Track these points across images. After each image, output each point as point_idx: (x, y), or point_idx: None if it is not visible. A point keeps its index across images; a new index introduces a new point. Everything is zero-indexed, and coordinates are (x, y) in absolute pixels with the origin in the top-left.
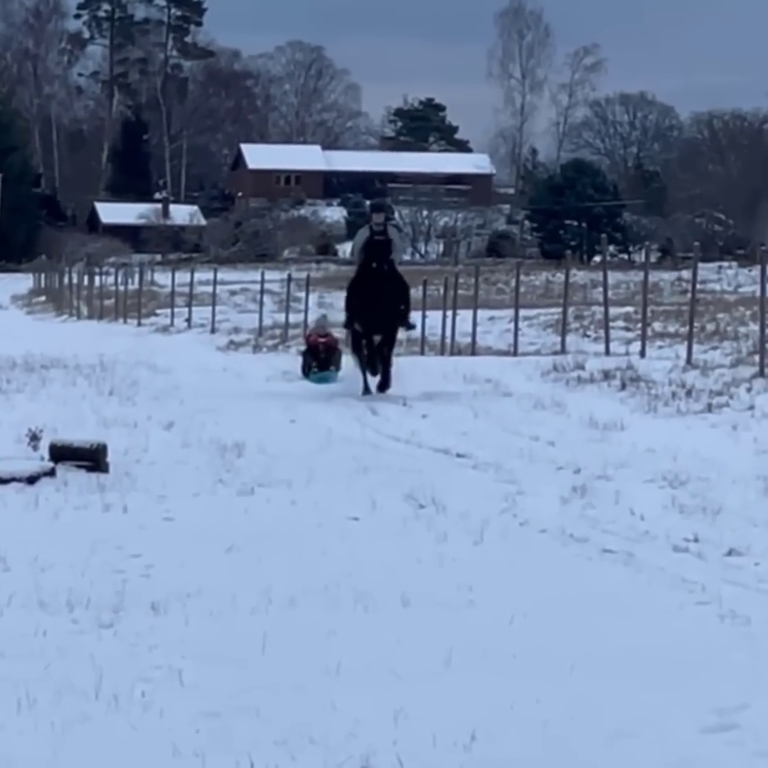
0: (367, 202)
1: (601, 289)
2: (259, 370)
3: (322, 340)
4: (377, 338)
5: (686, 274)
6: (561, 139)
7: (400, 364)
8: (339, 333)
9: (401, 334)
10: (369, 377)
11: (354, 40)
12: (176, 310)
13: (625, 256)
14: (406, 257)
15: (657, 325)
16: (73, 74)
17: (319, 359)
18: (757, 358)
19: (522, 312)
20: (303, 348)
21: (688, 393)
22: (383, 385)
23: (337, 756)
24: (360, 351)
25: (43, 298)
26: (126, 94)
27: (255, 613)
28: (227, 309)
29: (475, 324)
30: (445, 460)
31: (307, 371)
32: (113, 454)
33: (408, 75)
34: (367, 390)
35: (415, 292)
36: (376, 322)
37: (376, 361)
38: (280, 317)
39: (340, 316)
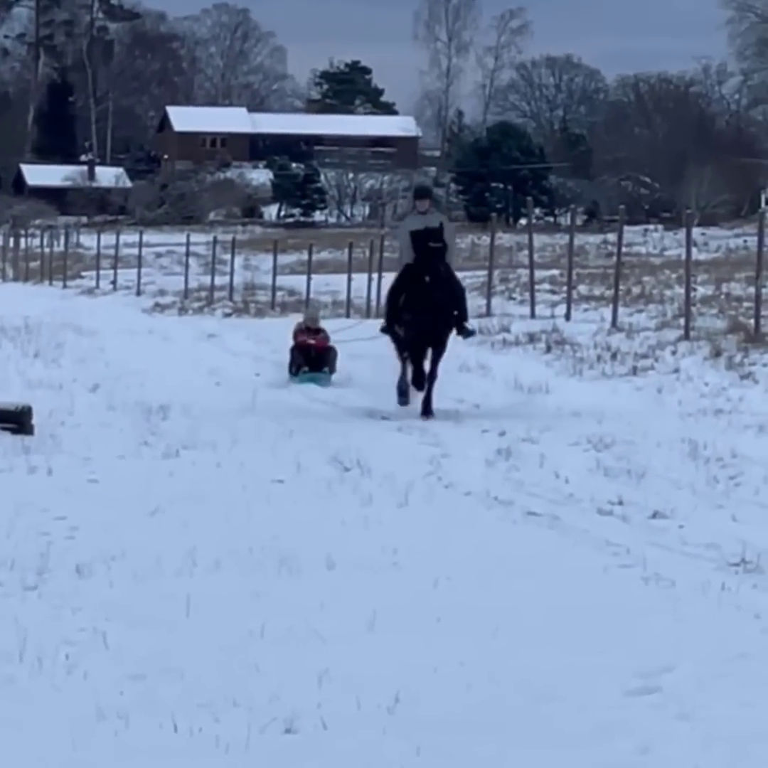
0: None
1: (526, 251)
2: (185, 332)
3: (311, 342)
4: (426, 350)
5: (612, 237)
6: (487, 102)
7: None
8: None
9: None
10: (411, 387)
11: (280, 2)
12: (102, 272)
13: (551, 219)
14: (332, 219)
15: (582, 288)
16: None
17: (310, 359)
18: (682, 321)
19: None
20: (291, 344)
21: (614, 356)
22: (426, 409)
23: (261, 718)
24: (402, 357)
25: None
26: (52, 56)
27: (179, 576)
28: (153, 271)
29: None
30: (370, 423)
31: (294, 370)
32: (38, 417)
33: (334, 37)
34: (404, 396)
35: (341, 255)
36: (425, 334)
37: (422, 373)
38: (206, 280)
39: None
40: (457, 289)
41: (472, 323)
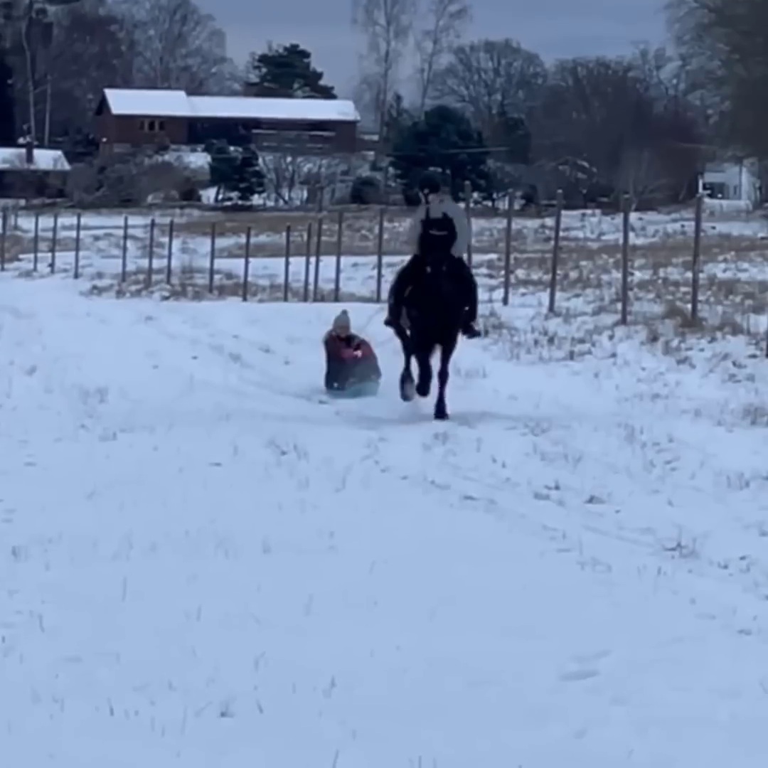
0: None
1: None
2: (123, 315)
3: (358, 353)
4: (433, 348)
5: (549, 221)
6: (425, 86)
7: (264, 311)
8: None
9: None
10: (415, 381)
11: None
12: (40, 255)
13: (489, 203)
14: (271, 203)
15: (520, 273)
16: None
17: (357, 371)
18: (619, 305)
19: (386, 259)
20: (325, 356)
21: (551, 340)
22: (440, 410)
23: (197, 701)
24: (409, 351)
25: None
26: None
27: (116, 559)
28: (91, 254)
29: (338, 270)
30: (307, 407)
31: (335, 384)
32: None
33: (273, 21)
34: (406, 389)
35: (279, 238)
36: (432, 330)
37: (428, 376)
38: (144, 263)
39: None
40: (468, 283)
41: (480, 323)
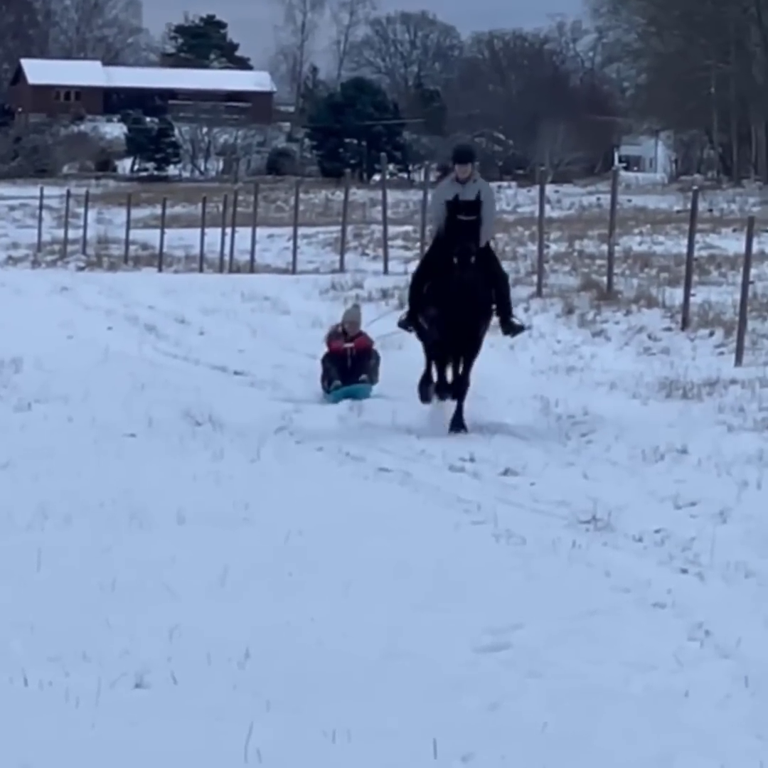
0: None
1: (380, 207)
2: (38, 285)
3: (349, 345)
4: (453, 351)
5: None
6: (342, 58)
7: (179, 282)
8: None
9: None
10: (436, 390)
11: None
12: None
13: (405, 175)
14: (186, 174)
15: None
16: None
17: (345, 369)
18: (534, 278)
19: (301, 230)
20: (324, 352)
21: None
22: (456, 422)
23: (111, 673)
24: (429, 353)
25: None
26: None
27: (30, 530)
28: (6, 224)
29: (254, 242)
30: (222, 378)
31: (328, 386)
32: None
33: None
34: (427, 391)
35: (195, 209)
36: (453, 330)
37: (447, 383)
38: (59, 233)
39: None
40: (497, 274)
41: (519, 317)
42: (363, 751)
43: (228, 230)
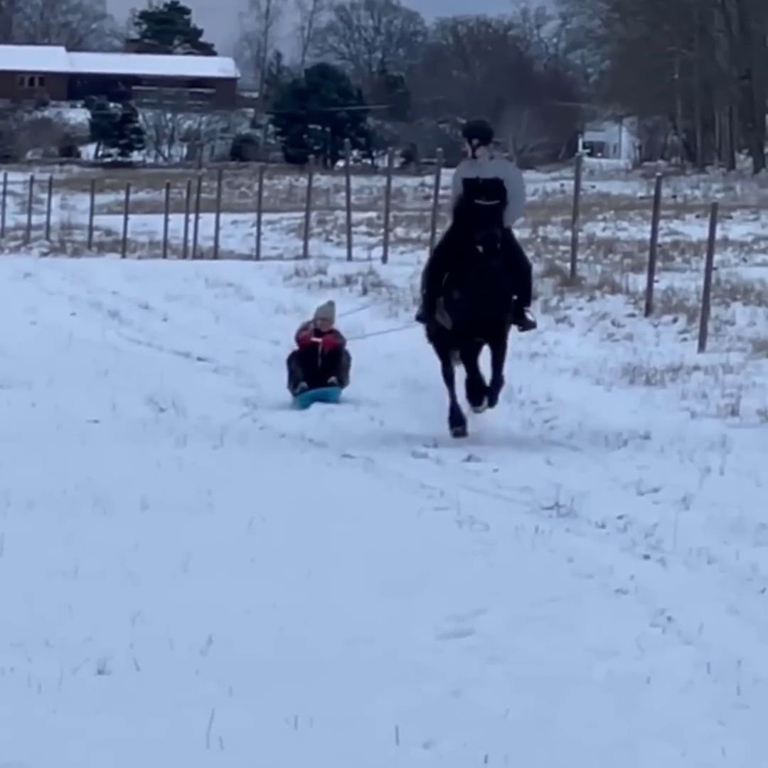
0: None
1: (344, 194)
2: (1, 271)
3: (316, 339)
4: (479, 343)
5: (429, 179)
6: (306, 44)
7: (143, 268)
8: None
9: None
10: (458, 398)
11: None
12: None
13: (369, 161)
14: (150, 159)
15: (399, 231)
16: None
17: (314, 368)
18: None
19: (265, 216)
20: (291, 351)
21: None
22: (489, 393)
23: (74, 659)
24: (447, 359)
25: None
26: None
27: None
28: None
29: (217, 228)
30: (185, 364)
31: (295, 388)
32: None
33: None
34: (456, 419)
35: (159, 195)
36: (478, 320)
37: (476, 376)
38: (23, 219)
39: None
40: (520, 263)
41: (533, 312)
42: (325, 738)
43: (192, 216)
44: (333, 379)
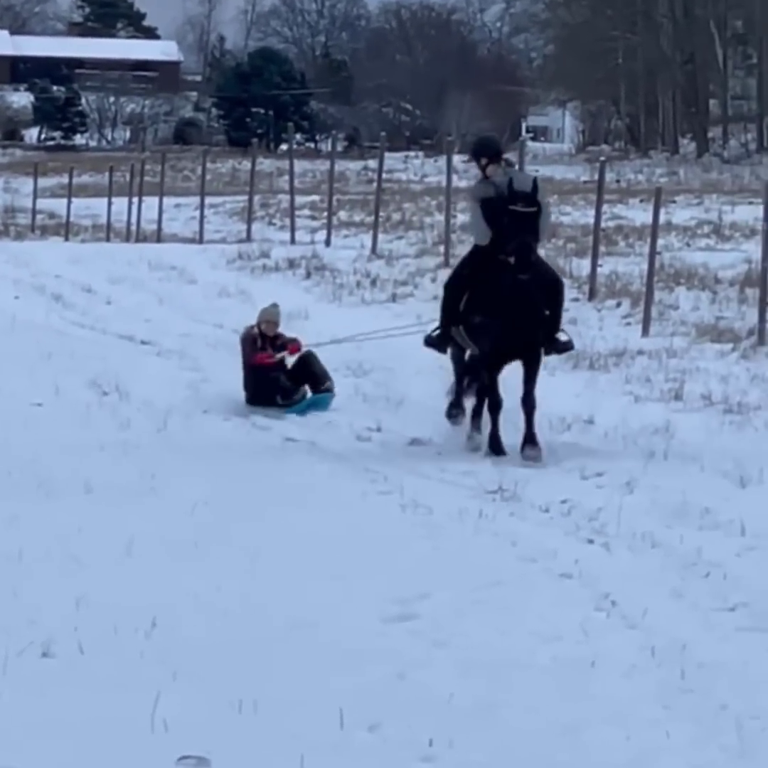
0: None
1: (287, 177)
2: None
3: (281, 355)
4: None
5: (373, 163)
6: (249, 27)
7: (86, 251)
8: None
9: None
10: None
11: None
12: None
13: (312, 145)
14: (93, 143)
15: (343, 214)
16: None
17: (284, 384)
18: (441, 248)
19: (208, 199)
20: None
21: (373, 282)
22: (529, 441)
23: (18, 642)
24: (495, 384)
25: None
26: None
27: None
28: None
29: (161, 211)
30: (129, 347)
31: (251, 396)
32: None
33: None
34: (498, 448)
35: (102, 178)
36: (512, 337)
37: (499, 403)
38: None
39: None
40: (553, 281)
41: (566, 332)
42: (269, 721)
43: (135, 200)
44: (329, 383)
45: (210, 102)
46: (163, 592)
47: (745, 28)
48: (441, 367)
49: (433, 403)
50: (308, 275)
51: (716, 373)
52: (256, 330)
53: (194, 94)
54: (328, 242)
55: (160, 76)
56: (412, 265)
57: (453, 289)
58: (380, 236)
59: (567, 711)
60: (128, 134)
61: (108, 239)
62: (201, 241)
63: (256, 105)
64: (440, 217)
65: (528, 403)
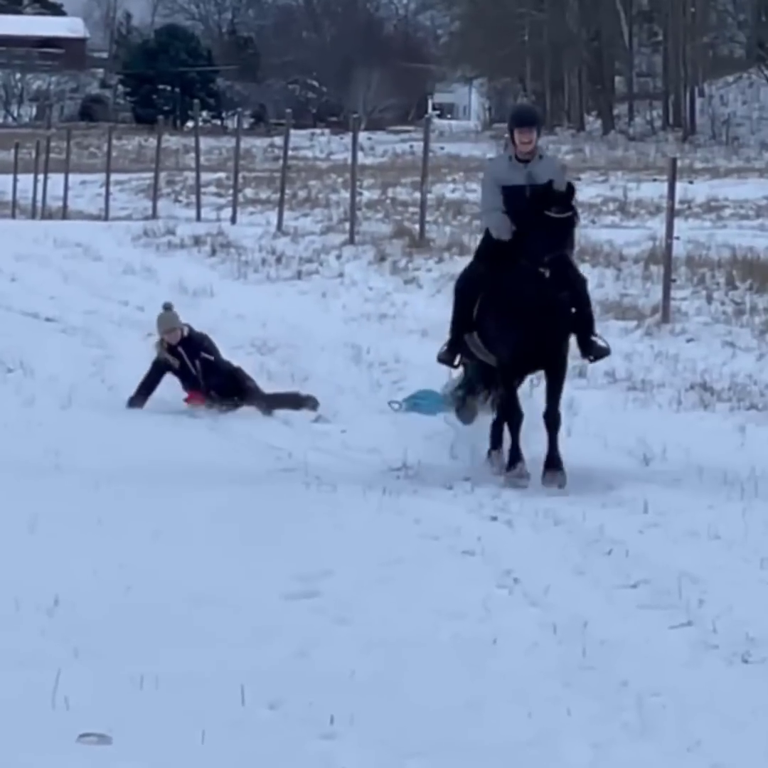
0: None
1: (193, 154)
2: None
3: (201, 392)
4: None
5: (279, 140)
6: (155, 4)
7: None
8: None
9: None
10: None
11: None
12: None
13: (218, 122)
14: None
15: (249, 192)
16: None
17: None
18: (347, 225)
19: (114, 177)
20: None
21: (278, 260)
22: (552, 463)
23: None
24: (514, 397)
25: None
26: None
27: None
28: None
29: (66, 188)
30: (34, 324)
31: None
32: None
33: None
34: (518, 457)
35: (7, 155)
36: (534, 346)
37: (520, 415)
38: None
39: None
40: (578, 282)
41: (602, 336)
42: (170, 698)
43: (40, 176)
44: (312, 400)
45: (116, 79)
46: (65, 569)
47: (651, 6)
48: (345, 344)
49: (338, 380)
50: (213, 252)
51: (620, 351)
52: (164, 345)
53: (100, 71)
54: (233, 219)
55: (66, 53)
56: (317, 242)
57: (465, 291)
58: (286, 213)
59: (469, 688)
60: (34, 111)
61: (13, 216)
62: (106, 218)
63: (162, 82)
64: (346, 195)
65: (551, 419)
